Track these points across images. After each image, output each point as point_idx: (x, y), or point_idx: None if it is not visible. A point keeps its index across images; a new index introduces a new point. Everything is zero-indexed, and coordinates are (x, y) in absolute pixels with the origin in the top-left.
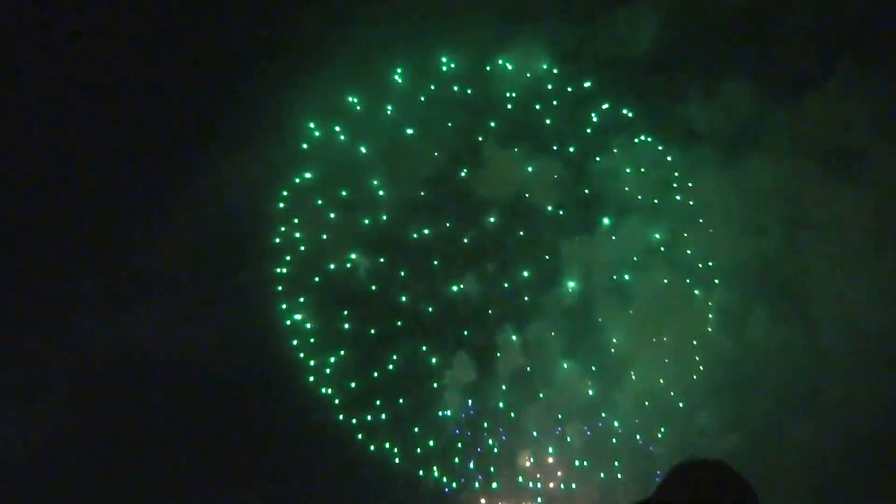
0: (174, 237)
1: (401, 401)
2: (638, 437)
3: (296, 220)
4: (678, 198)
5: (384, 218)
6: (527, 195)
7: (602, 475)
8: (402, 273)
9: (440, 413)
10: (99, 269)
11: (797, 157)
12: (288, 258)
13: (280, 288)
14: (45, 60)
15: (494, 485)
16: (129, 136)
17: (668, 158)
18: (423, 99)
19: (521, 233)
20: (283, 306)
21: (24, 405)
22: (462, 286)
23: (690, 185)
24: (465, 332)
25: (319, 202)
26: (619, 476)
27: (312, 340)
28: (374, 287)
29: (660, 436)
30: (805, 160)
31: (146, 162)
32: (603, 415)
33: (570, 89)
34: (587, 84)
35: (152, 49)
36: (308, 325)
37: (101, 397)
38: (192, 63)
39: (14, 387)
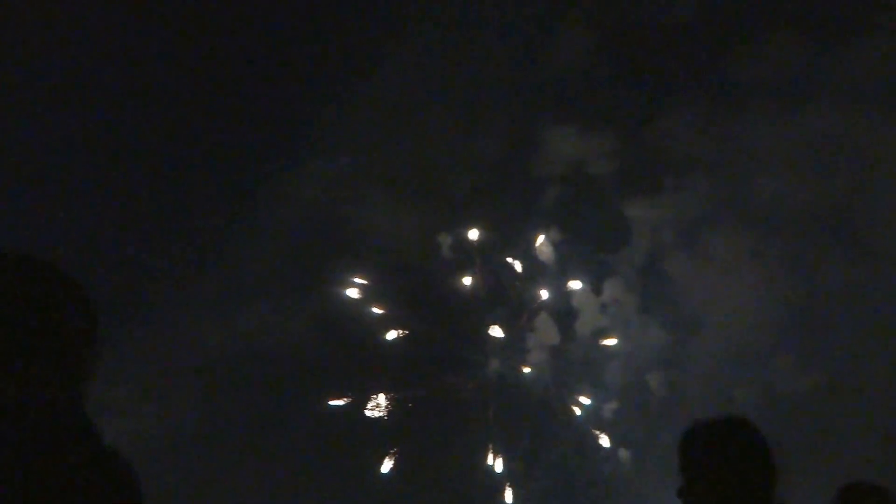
0: (275, 238)
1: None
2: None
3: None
4: (738, 152)
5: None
6: (584, 167)
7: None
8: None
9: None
10: (209, 271)
11: (857, 101)
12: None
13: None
14: (160, 69)
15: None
16: (238, 144)
17: (726, 114)
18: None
19: (576, 203)
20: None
21: (150, 401)
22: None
23: (752, 137)
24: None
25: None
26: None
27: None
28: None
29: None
30: (865, 103)
31: (250, 169)
32: (685, 360)
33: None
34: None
35: (257, 57)
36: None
37: (219, 391)
38: (291, 70)
39: (140, 384)
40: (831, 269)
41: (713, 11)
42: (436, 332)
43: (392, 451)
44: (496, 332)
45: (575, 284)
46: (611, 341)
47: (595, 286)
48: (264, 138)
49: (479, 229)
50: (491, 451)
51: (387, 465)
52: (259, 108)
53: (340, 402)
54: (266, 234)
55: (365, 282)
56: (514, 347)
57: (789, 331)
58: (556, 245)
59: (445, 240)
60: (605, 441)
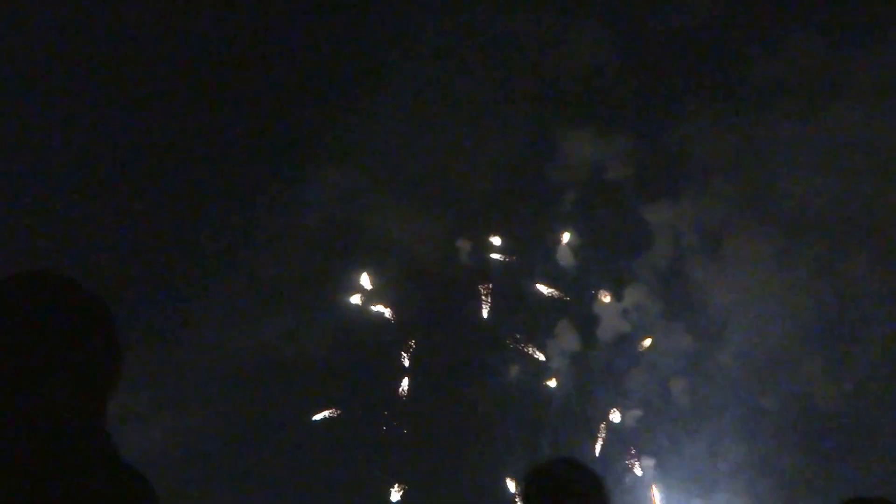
0: (292, 247)
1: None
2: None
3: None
4: (762, 154)
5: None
6: (603, 171)
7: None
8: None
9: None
10: (230, 279)
11: (880, 101)
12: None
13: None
14: (185, 79)
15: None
16: (257, 153)
17: (747, 116)
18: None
19: (598, 207)
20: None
21: (170, 409)
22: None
23: (772, 139)
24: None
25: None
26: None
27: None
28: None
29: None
30: (888, 103)
31: (269, 178)
32: (711, 368)
33: (634, 60)
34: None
35: (276, 68)
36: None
37: (240, 400)
38: (309, 80)
39: (161, 392)
40: (858, 273)
41: (732, 13)
42: (453, 339)
43: (400, 484)
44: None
45: (603, 297)
46: (647, 341)
47: (616, 292)
48: (283, 147)
49: (497, 235)
50: (507, 469)
51: (396, 494)
52: (277, 117)
53: (325, 415)
54: (286, 243)
55: (369, 286)
56: (533, 355)
57: (817, 337)
58: (575, 250)
59: (465, 246)
60: (628, 450)
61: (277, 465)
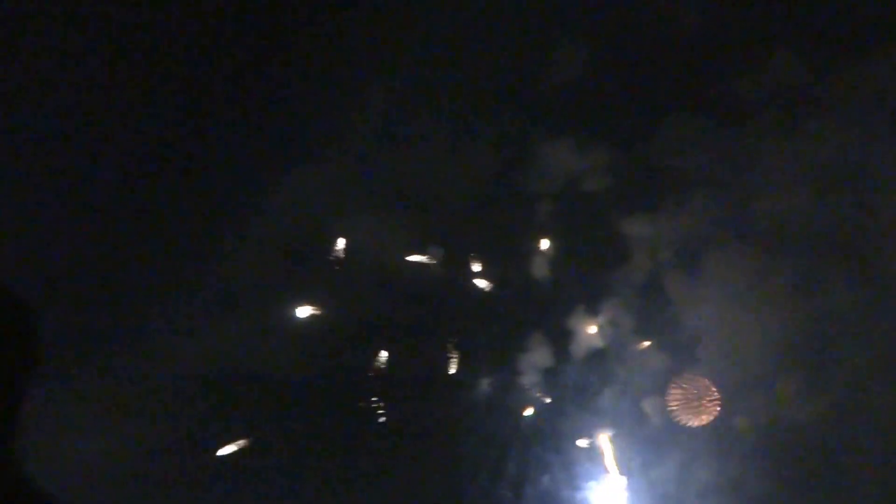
0: (253, 252)
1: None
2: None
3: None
4: (741, 170)
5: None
6: (581, 183)
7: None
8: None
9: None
10: (189, 284)
11: (861, 121)
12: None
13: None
14: (143, 71)
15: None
16: (220, 151)
17: (727, 131)
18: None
19: (575, 219)
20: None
21: (118, 419)
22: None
23: (752, 155)
24: (538, 317)
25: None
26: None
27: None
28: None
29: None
30: (870, 123)
31: (225, 179)
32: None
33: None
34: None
35: (243, 60)
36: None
37: (197, 410)
38: (279, 75)
39: (114, 402)
40: (836, 292)
41: (716, 26)
42: (424, 350)
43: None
44: None
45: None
46: (646, 342)
47: (591, 306)
48: (247, 149)
49: (471, 244)
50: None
51: None
52: (241, 119)
53: (233, 449)
54: (249, 247)
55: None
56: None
57: (793, 356)
58: (551, 262)
59: (438, 254)
60: (598, 467)
61: (229, 478)
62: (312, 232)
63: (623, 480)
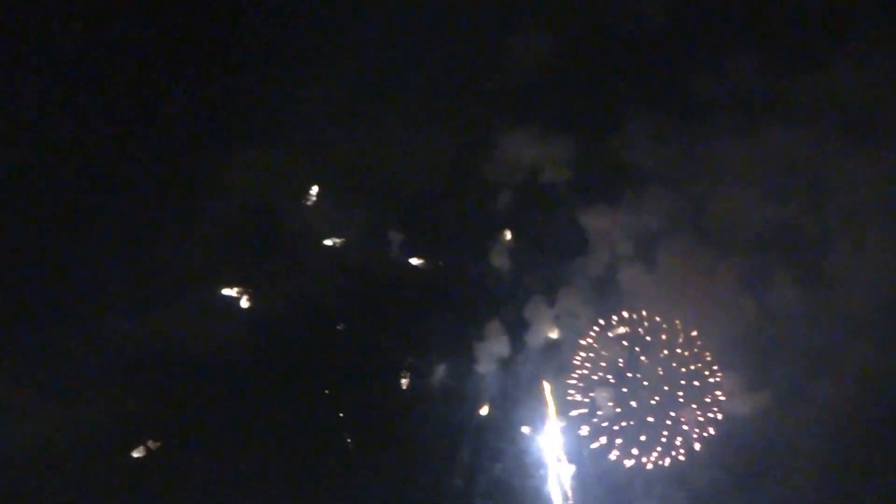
0: (198, 236)
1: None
2: (665, 402)
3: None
4: (698, 168)
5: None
6: (541, 174)
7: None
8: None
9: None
10: (123, 269)
11: (813, 126)
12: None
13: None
14: (60, 63)
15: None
16: (151, 137)
17: (687, 130)
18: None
19: (535, 210)
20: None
21: (56, 403)
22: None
23: (710, 154)
24: (498, 307)
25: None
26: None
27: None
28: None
29: (687, 400)
30: (821, 129)
31: (167, 162)
32: (635, 379)
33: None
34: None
35: (175, 52)
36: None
37: (130, 392)
38: (229, 49)
39: (46, 385)
40: (781, 290)
41: (680, 26)
42: (380, 335)
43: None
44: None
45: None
46: (622, 329)
47: (549, 296)
48: (195, 128)
49: (430, 232)
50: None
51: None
52: (188, 96)
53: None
54: (192, 228)
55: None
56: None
57: (738, 350)
58: (510, 252)
59: (397, 238)
60: (549, 457)
61: (167, 458)
62: (261, 215)
63: (572, 468)
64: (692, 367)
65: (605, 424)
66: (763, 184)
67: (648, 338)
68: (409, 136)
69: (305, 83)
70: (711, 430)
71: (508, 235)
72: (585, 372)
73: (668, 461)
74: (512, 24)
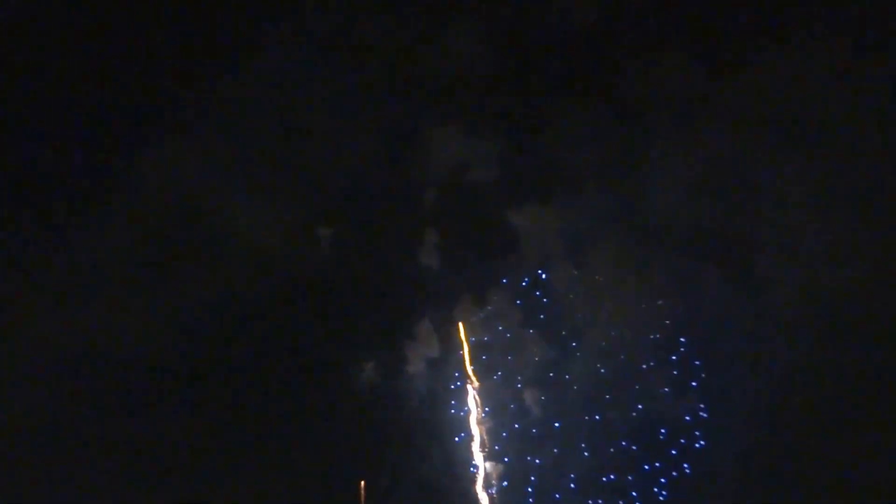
0: (115, 231)
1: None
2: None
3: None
4: (630, 167)
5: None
6: (467, 171)
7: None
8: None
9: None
10: (41, 266)
11: (745, 128)
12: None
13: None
14: None
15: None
16: (68, 130)
17: (618, 129)
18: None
19: (464, 208)
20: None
21: None
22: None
23: (641, 154)
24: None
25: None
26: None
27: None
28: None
29: (614, 401)
30: (753, 130)
31: (85, 157)
32: (562, 379)
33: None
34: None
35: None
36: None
37: (50, 392)
38: (148, 35)
39: None
40: (710, 290)
41: (612, 25)
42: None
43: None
44: None
45: None
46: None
47: (478, 297)
48: (114, 116)
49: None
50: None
51: None
52: (108, 83)
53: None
54: (115, 223)
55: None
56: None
57: (668, 350)
58: (438, 250)
59: (325, 234)
60: (478, 458)
61: (98, 459)
62: (183, 210)
63: (500, 468)
64: (622, 367)
65: (533, 424)
66: (693, 182)
67: (577, 337)
68: (334, 132)
69: (224, 74)
70: (641, 430)
71: (432, 233)
72: (514, 371)
73: (596, 461)
74: (440, 18)
